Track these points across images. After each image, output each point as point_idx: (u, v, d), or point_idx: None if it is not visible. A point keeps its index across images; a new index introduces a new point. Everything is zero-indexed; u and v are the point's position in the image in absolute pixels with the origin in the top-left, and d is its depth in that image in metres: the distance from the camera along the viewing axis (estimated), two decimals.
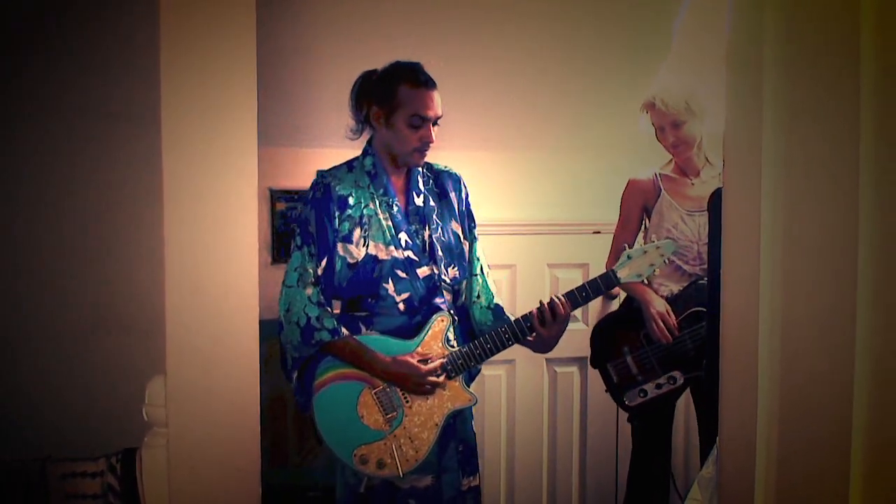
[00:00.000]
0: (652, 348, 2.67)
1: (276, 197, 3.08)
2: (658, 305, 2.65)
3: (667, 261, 2.33)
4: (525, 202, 3.27)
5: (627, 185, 2.84)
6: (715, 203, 2.01)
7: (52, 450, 2.30)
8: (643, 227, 2.84)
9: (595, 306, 3.28)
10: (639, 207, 2.81)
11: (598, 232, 3.18)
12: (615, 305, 3.25)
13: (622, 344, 2.72)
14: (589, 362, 2.85)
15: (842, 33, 1.17)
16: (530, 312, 2.27)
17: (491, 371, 3.25)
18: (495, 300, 2.42)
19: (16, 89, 2.86)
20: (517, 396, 3.27)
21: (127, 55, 2.75)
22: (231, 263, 2.08)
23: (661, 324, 2.63)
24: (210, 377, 2.07)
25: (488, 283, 2.44)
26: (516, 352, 3.18)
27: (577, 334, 3.27)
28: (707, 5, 2.79)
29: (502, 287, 3.23)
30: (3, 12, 2.70)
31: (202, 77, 2.02)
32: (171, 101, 2.01)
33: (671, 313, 2.64)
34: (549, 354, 3.22)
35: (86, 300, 2.97)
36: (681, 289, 2.70)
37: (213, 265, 2.06)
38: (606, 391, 2.80)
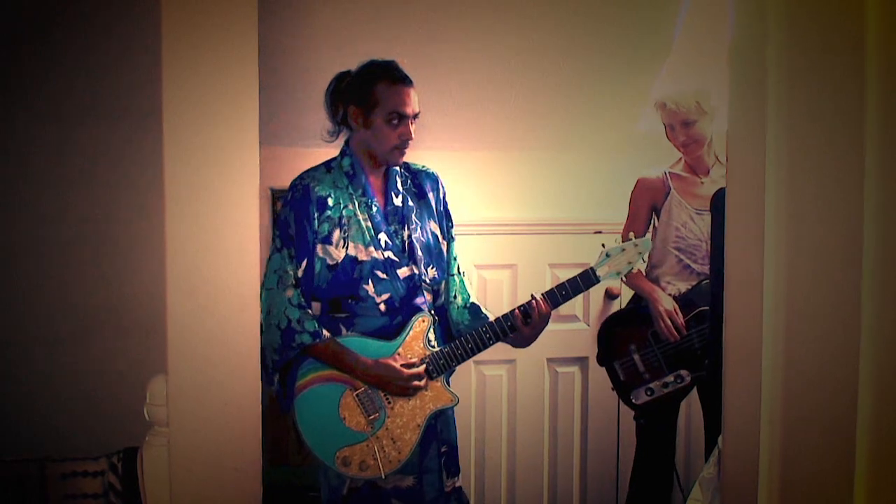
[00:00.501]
0: (659, 347, 2.68)
1: (278, 196, 3.08)
2: (666, 303, 2.65)
3: (645, 259, 2.34)
4: (526, 202, 3.27)
5: (637, 183, 2.84)
6: (717, 202, 2.01)
7: (53, 449, 2.29)
8: (651, 225, 2.85)
9: (596, 306, 3.28)
10: (647, 206, 2.81)
11: (600, 232, 3.18)
12: (616, 306, 3.26)
13: (629, 342, 2.73)
14: (596, 360, 2.85)
15: (846, 31, 1.17)
16: (512, 312, 2.28)
17: (492, 371, 3.25)
18: (471, 299, 2.43)
19: (16, 89, 2.86)
20: (518, 396, 3.27)
21: (128, 55, 2.75)
22: (232, 263, 2.07)
23: (669, 322, 2.63)
24: (211, 376, 2.06)
25: (465, 282, 2.45)
26: (516, 352, 3.18)
27: (578, 334, 3.28)
28: (709, 4, 2.79)
29: (503, 287, 3.23)
30: (3, 12, 2.70)
31: (204, 76, 2.01)
32: (173, 100, 2.00)
33: (679, 312, 2.65)
34: (550, 354, 3.25)
35: (87, 299, 2.97)
36: (689, 287, 2.70)
37: (215, 264, 2.06)
38: (613, 389, 2.80)
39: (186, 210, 2.04)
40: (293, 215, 2.24)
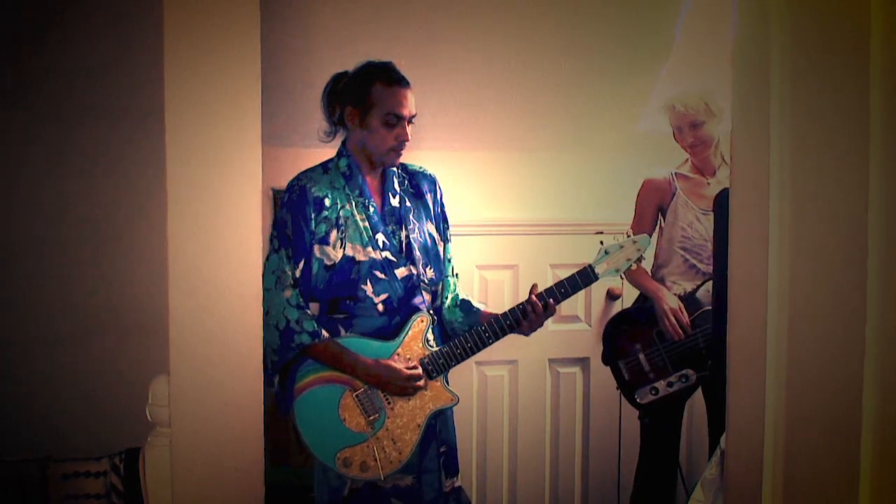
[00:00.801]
0: (664, 346, 2.68)
1: (280, 197, 3.08)
2: (671, 302, 2.66)
3: (643, 256, 2.35)
4: (526, 202, 3.28)
5: (643, 184, 2.85)
6: (721, 202, 2.01)
7: (54, 450, 2.29)
8: (658, 225, 2.85)
9: (598, 306, 3.28)
10: (653, 206, 2.82)
11: (601, 232, 3.18)
12: (618, 306, 3.26)
13: (634, 341, 2.73)
14: (600, 359, 2.86)
15: (849, 31, 1.17)
16: (511, 311, 2.28)
17: (493, 371, 3.25)
18: (462, 296, 2.44)
19: (16, 89, 2.86)
20: (519, 397, 3.27)
21: (128, 55, 2.74)
22: (234, 263, 2.07)
23: (674, 321, 2.63)
24: (213, 377, 2.06)
25: (457, 284, 2.46)
26: (518, 352, 3.18)
27: (580, 335, 3.28)
28: (710, 4, 2.79)
29: (504, 287, 3.23)
30: (3, 12, 2.69)
31: (206, 77, 2.01)
32: (175, 101, 2.00)
33: (684, 311, 2.65)
34: (552, 355, 3.26)
35: (87, 299, 2.96)
36: (694, 287, 2.71)
37: (217, 265, 2.06)
38: (618, 389, 2.80)
39: (188, 210, 2.03)
40: (290, 216, 2.24)
